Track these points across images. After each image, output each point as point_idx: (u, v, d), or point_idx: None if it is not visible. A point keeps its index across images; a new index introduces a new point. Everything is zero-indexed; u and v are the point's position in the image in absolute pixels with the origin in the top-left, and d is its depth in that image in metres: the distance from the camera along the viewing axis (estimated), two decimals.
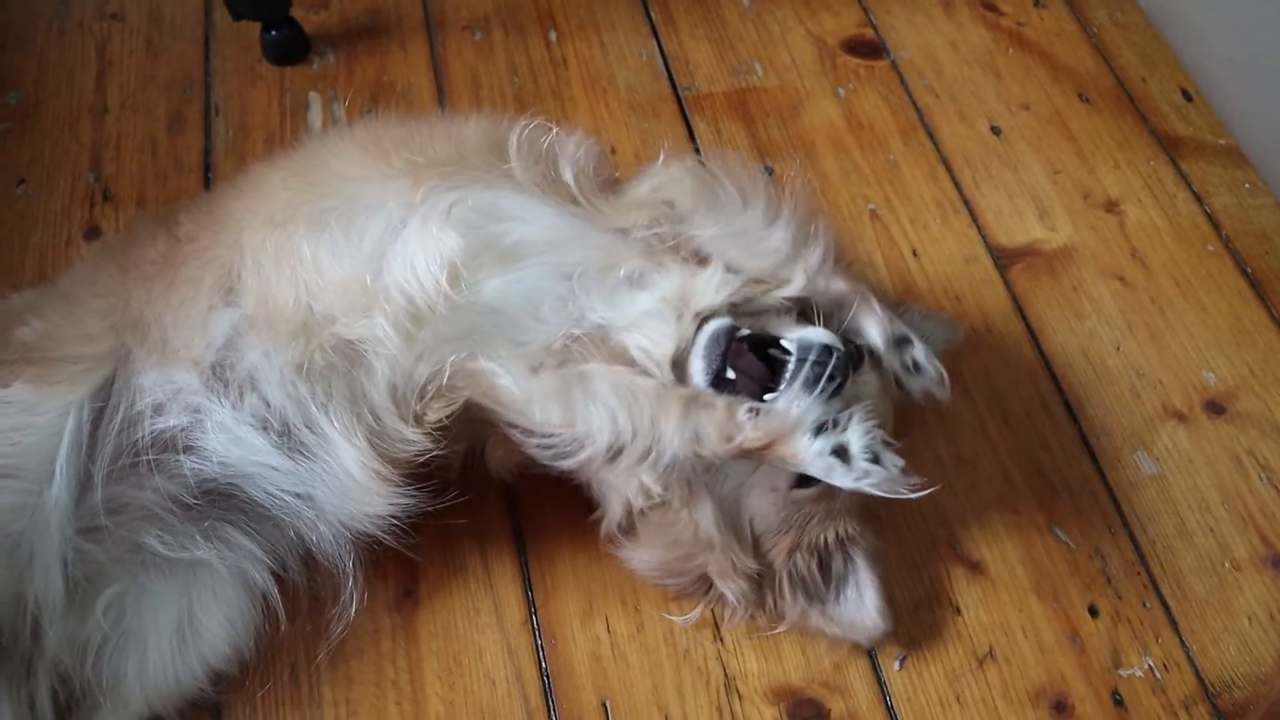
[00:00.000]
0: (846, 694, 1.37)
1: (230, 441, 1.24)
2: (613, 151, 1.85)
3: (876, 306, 1.35)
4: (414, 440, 1.24)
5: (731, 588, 1.32)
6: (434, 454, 1.26)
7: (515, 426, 1.25)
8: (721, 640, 1.40)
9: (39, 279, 1.65)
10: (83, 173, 1.82)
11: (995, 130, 1.95)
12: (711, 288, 1.27)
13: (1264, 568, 1.49)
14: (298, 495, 1.27)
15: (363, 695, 1.35)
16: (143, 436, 1.24)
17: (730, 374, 1.24)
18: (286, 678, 1.35)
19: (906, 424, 1.52)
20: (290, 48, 1.97)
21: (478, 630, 1.40)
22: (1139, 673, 1.40)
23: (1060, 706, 1.38)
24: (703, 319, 1.27)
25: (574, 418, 1.22)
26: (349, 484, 1.25)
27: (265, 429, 1.24)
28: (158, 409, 1.25)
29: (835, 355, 1.23)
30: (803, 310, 1.33)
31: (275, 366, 1.24)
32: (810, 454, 1.18)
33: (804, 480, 1.28)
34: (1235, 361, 1.68)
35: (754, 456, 1.22)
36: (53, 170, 1.82)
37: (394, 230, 1.26)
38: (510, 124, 1.37)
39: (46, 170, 1.82)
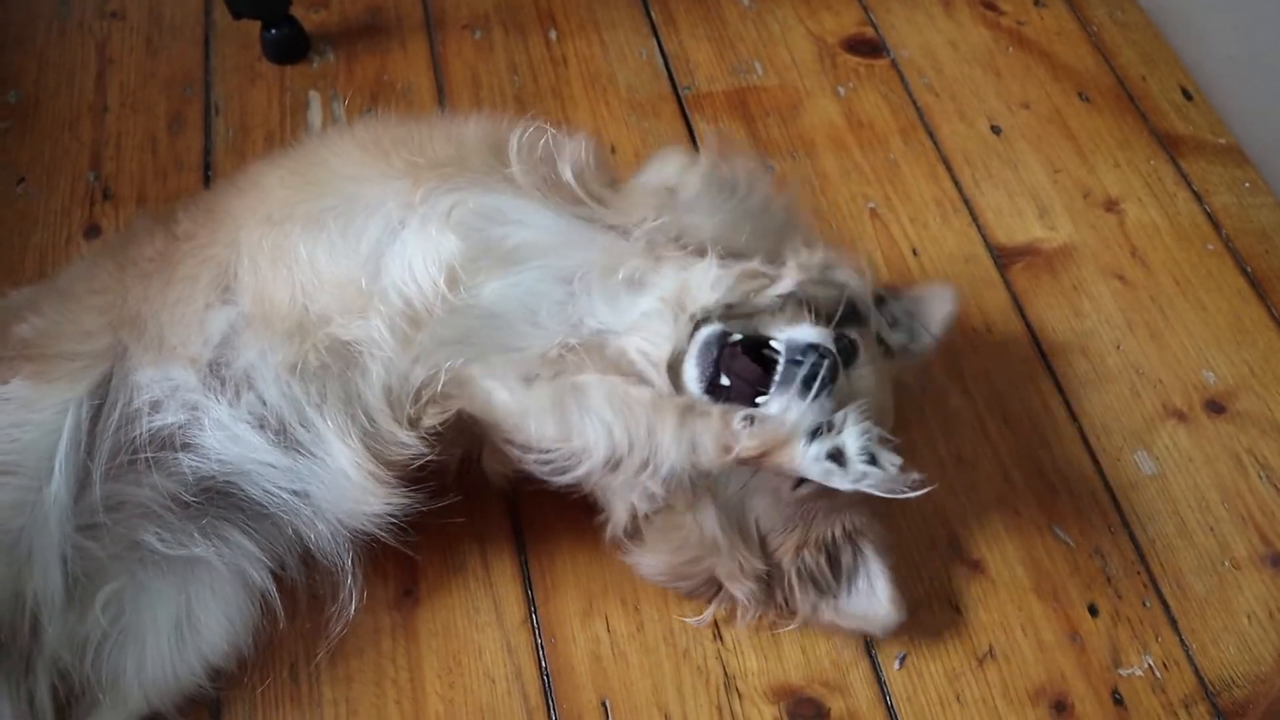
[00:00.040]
0: (846, 693, 1.37)
1: (227, 439, 1.24)
2: (613, 151, 1.85)
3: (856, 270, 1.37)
4: (408, 443, 1.24)
5: (741, 589, 1.32)
6: (429, 459, 1.25)
7: (511, 442, 1.25)
8: (721, 639, 1.40)
9: (39, 278, 1.65)
10: (83, 172, 1.82)
11: (995, 129, 1.95)
12: (708, 284, 1.26)
13: (1264, 567, 1.49)
14: (295, 493, 1.27)
15: (362, 694, 1.35)
16: (140, 434, 1.24)
17: (725, 380, 1.24)
18: (286, 676, 1.35)
19: (906, 422, 1.52)
20: (290, 46, 1.97)
21: (477, 629, 1.40)
22: (1139, 672, 1.40)
23: (1060, 706, 1.38)
24: (697, 323, 1.26)
25: (569, 432, 1.21)
26: (345, 483, 1.25)
27: (262, 427, 1.24)
28: (155, 406, 1.25)
29: (824, 353, 1.22)
30: (800, 305, 1.32)
31: (271, 365, 1.24)
32: (806, 460, 1.17)
33: (805, 478, 1.28)
34: (1235, 361, 1.68)
35: (752, 465, 1.21)
36: (53, 169, 1.82)
37: (392, 231, 1.26)
38: (510, 125, 1.36)
39: (47, 169, 1.82)
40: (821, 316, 1.29)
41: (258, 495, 1.27)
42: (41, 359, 1.26)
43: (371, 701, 1.35)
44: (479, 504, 1.42)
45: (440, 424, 1.25)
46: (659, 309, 1.26)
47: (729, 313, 1.28)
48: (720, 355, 1.24)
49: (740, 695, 1.36)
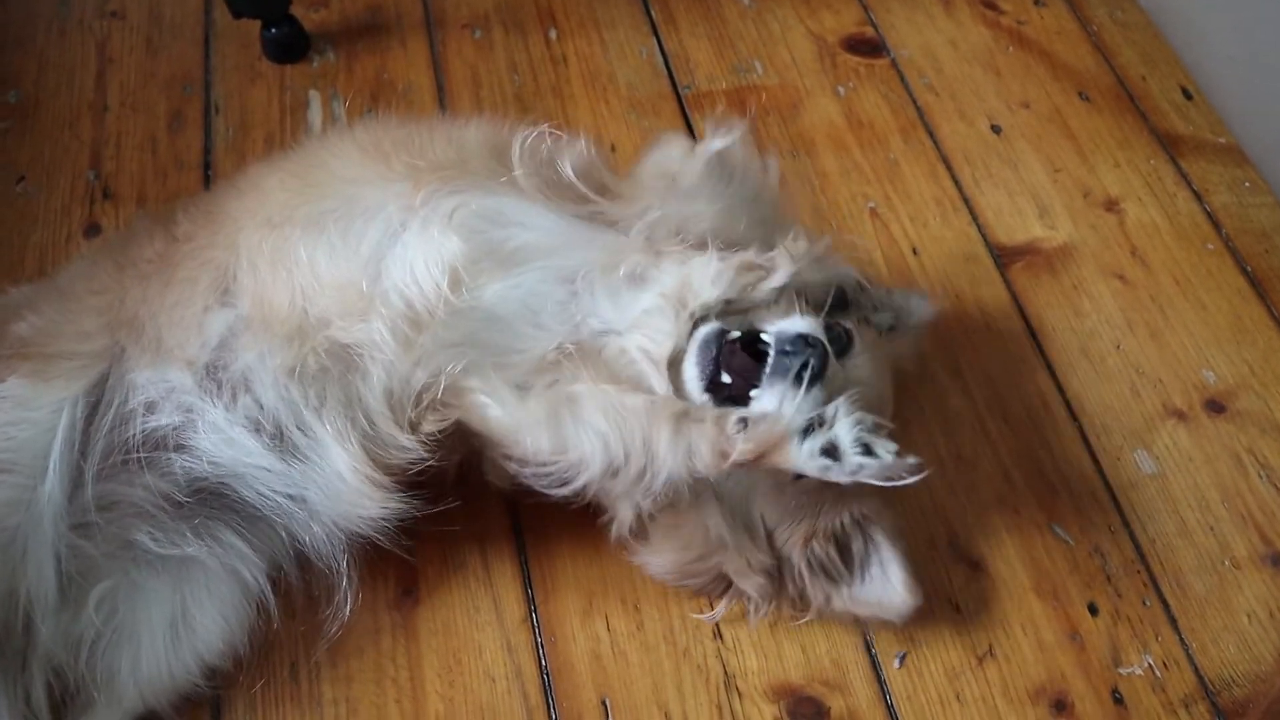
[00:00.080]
0: (846, 692, 1.37)
1: (222, 442, 1.24)
2: (613, 149, 1.85)
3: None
4: (409, 447, 1.24)
5: (751, 584, 1.32)
6: (429, 464, 1.25)
7: (509, 457, 1.25)
8: (721, 638, 1.40)
9: (39, 276, 1.65)
10: (83, 171, 1.82)
11: (995, 129, 1.95)
12: (709, 280, 1.26)
13: (1263, 566, 1.49)
14: (290, 497, 1.27)
15: (363, 693, 1.35)
16: (134, 434, 1.24)
17: (725, 378, 1.24)
18: (286, 674, 1.35)
19: (906, 422, 1.52)
20: (290, 46, 1.97)
21: (477, 628, 1.40)
22: (1139, 671, 1.40)
23: (1060, 705, 1.38)
24: (695, 321, 1.26)
25: (565, 445, 1.21)
26: (341, 487, 1.25)
27: (258, 430, 1.24)
28: (150, 407, 1.25)
29: (813, 343, 1.22)
30: (793, 297, 1.32)
31: (269, 368, 1.23)
32: (802, 459, 1.17)
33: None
34: (1235, 360, 1.68)
35: (750, 468, 1.21)
36: (53, 168, 1.82)
37: (393, 234, 1.26)
38: (511, 128, 1.36)
39: (47, 168, 1.82)
40: (813, 306, 1.29)
41: (252, 498, 1.27)
42: (39, 358, 1.26)
43: (372, 700, 1.35)
44: (479, 503, 1.42)
45: (439, 431, 1.25)
46: (660, 305, 1.26)
47: (726, 308, 1.28)
48: (719, 353, 1.24)
49: (740, 694, 1.36)
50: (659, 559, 1.35)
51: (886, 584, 1.32)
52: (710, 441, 1.18)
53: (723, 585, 1.35)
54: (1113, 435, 1.60)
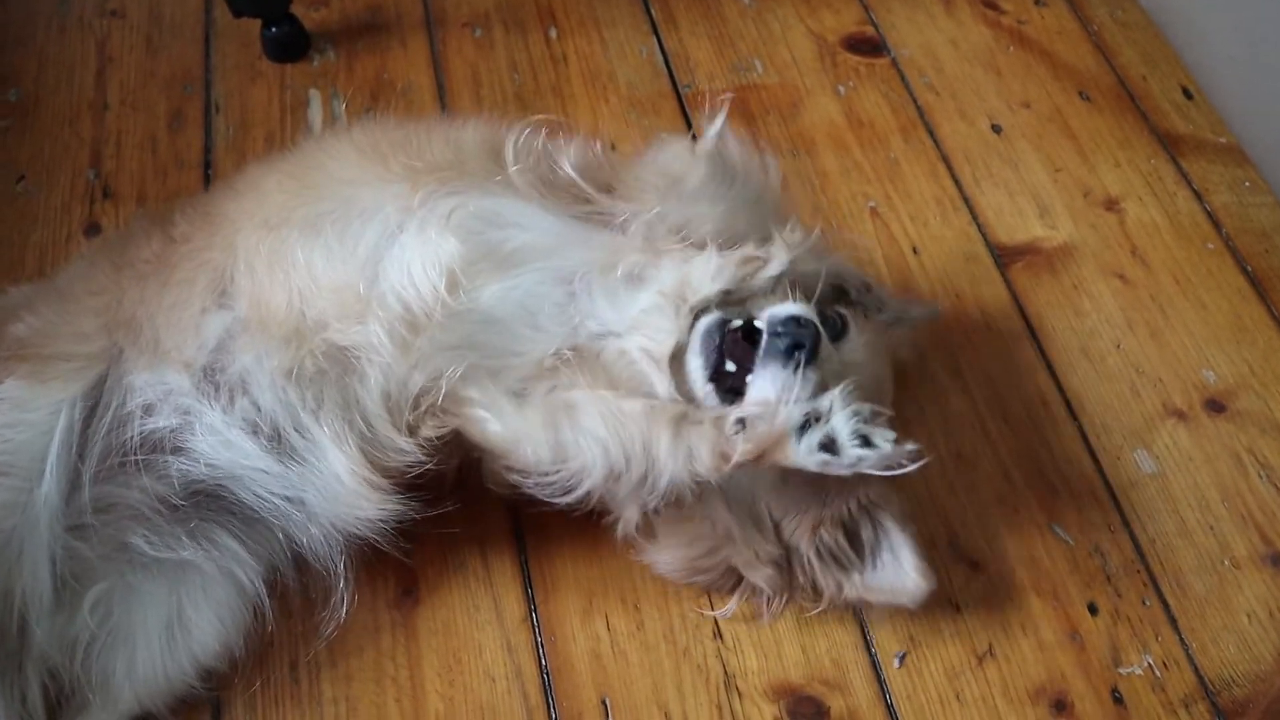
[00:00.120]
0: (846, 691, 1.37)
1: (220, 444, 1.24)
2: (613, 148, 1.85)
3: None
4: (407, 450, 1.24)
5: (760, 577, 1.32)
6: (427, 467, 1.25)
7: (510, 468, 1.25)
8: (721, 638, 1.40)
9: (39, 276, 1.65)
10: (83, 169, 1.82)
11: (996, 128, 1.95)
12: (708, 276, 1.27)
13: (1263, 566, 1.49)
14: (287, 499, 1.26)
15: (362, 692, 1.35)
16: (132, 436, 1.24)
17: (730, 365, 1.24)
18: (286, 673, 1.35)
19: (905, 421, 1.52)
20: (290, 45, 1.97)
21: (477, 627, 1.40)
22: (1138, 671, 1.40)
23: (1060, 704, 1.38)
24: (695, 314, 1.26)
25: (565, 454, 1.21)
26: (338, 489, 1.24)
27: (255, 433, 1.24)
28: (148, 410, 1.25)
29: (804, 323, 1.23)
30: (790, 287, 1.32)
31: (266, 370, 1.23)
32: (800, 455, 1.17)
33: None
34: (1235, 360, 1.68)
35: (751, 467, 1.21)
36: (53, 167, 1.82)
37: (390, 235, 1.26)
38: (508, 129, 1.36)
39: (47, 167, 1.82)
40: (808, 295, 1.29)
41: (249, 500, 1.27)
42: (36, 359, 1.25)
43: (371, 699, 1.35)
44: (479, 503, 1.42)
45: (437, 436, 1.25)
46: (659, 303, 1.26)
47: (725, 300, 1.28)
48: (723, 341, 1.25)
49: (740, 694, 1.36)
50: (667, 555, 1.34)
51: (899, 569, 1.31)
52: (710, 444, 1.18)
53: (733, 580, 1.35)
54: (1113, 435, 1.60)
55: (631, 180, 1.36)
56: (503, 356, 1.24)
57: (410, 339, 1.22)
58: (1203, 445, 1.59)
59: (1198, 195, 1.88)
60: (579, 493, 1.23)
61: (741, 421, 1.18)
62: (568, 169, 1.33)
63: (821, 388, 1.22)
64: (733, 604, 1.38)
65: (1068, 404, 1.63)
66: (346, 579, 1.32)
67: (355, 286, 1.23)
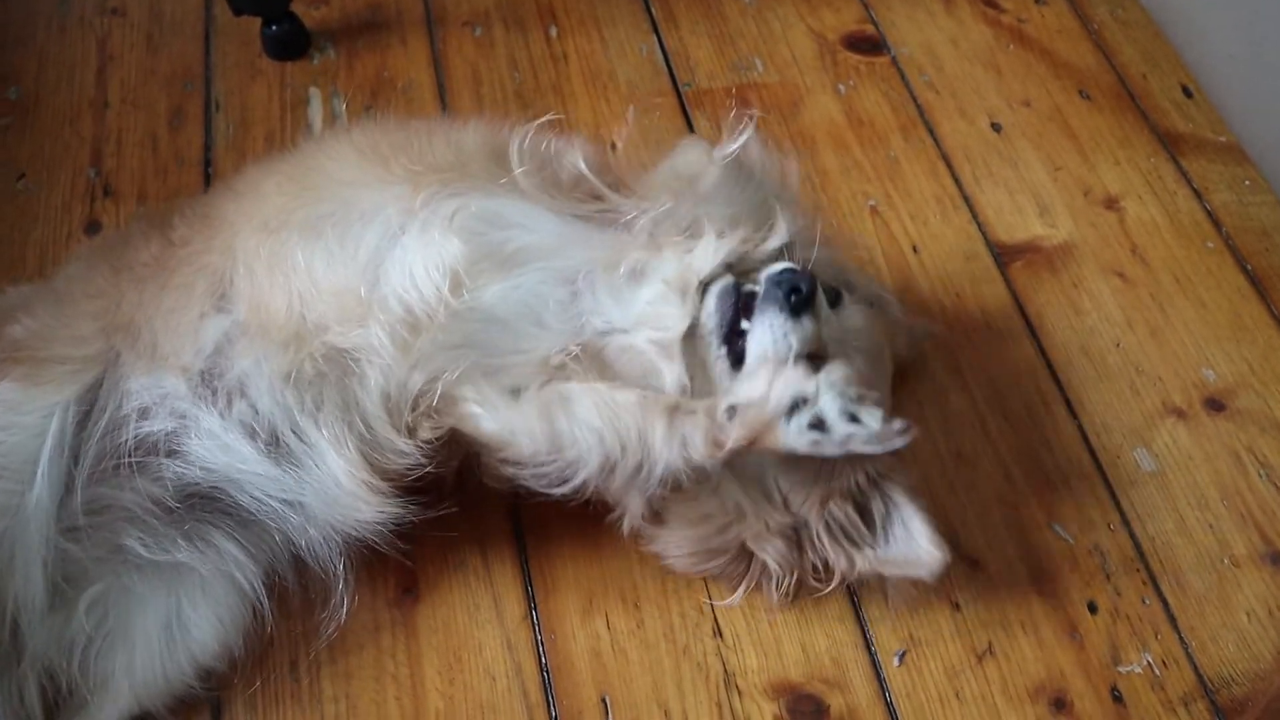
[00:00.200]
0: (846, 690, 1.38)
1: (217, 448, 1.24)
2: (613, 148, 1.85)
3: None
4: (406, 451, 1.24)
5: (770, 551, 1.31)
6: (427, 469, 1.25)
7: (506, 461, 1.25)
8: (721, 636, 1.40)
9: (40, 274, 1.65)
10: (83, 168, 1.82)
11: (996, 127, 1.95)
12: (709, 254, 1.28)
13: (1263, 564, 1.49)
14: (285, 502, 1.26)
15: (362, 690, 1.35)
16: (127, 440, 1.24)
17: (744, 324, 1.26)
18: (286, 672, 1.36)
19: (905, 418, 1.52)
20: (291, 43, 1.97)
21: (478, 626, 1.40)
22: (1138, 669, 1.41)
23: (1059, 703, 1.38)
24: (704, 286, 1.28)
25: (561, 444, 1.21)
26: (337, 492, 1.24)
27: (253, 436, 1.24)
28: (143, 413, 1.24)
29: (800, 273, 1.25)
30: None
31: (265, 374, 1.23)
32: (791, 437, 1.18)
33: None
34: (1235, 358, 1.68)
35: (745, 453, 1.21)
36: (53, 165, 1.82)
37: (392, 237, 1.25)
38: (510, 130, 1.36)
39: (47, 165, 1.82)
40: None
41: (246, 503, 1.27)
42: (32, 361, 1.25)
43: (371, 698, 1.35)
44: (479, 501, 1.42)
45: (435, 437, 1.25)
46: (663, 292, 1.26)
47: (729, 271, 1.30)
48: (737, 302, 1.27)
49: (740, 692, 1.37)
50: (678, 537, 1.33)
51: (911, 542, 1.30)
52: (704, 431, 1.19)
53: (742, 565, 1.34)
54: (1112, 433, 1.60)
55: (645, 183, 1.36)
56: (505, 355, 1.24)
57: (410, 340, 1.22)
58: (1202, 444, 1.59)
59: (1198, 194, 1.88)
60: (575, 482, 1.23)
61: (733, 409, 1.19)
62: (580, 165, 1.34)
63: (820, 351, 1.24)
64: (740, 592, 1.37)
65: (1067, 403, 1.63)
66: (346, 580, 1.32)
67: (356, 289, 1.23)
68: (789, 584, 1.34)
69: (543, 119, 1.37)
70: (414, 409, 1.24)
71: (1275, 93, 1.88)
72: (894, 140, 1.92)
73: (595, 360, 1.25)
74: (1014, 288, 1.75)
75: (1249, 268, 1.79)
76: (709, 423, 1.19)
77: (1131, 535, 1.51)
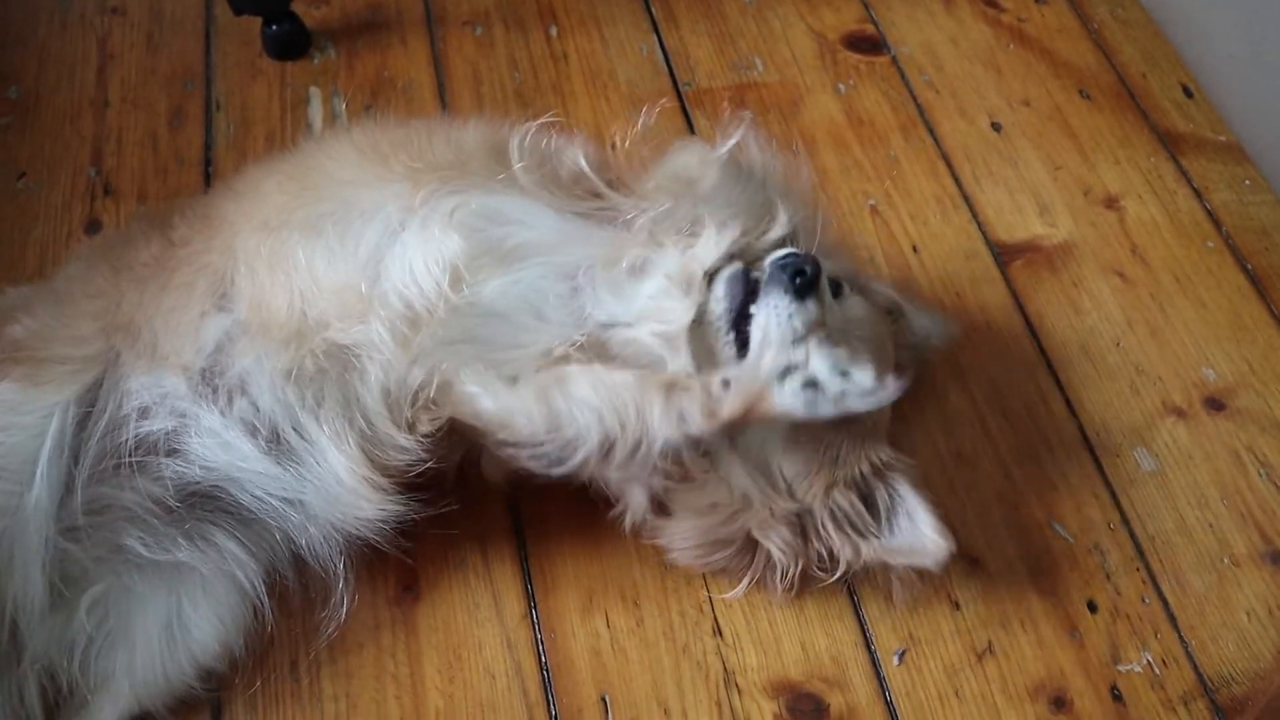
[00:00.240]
0: (846, 688, 1.38)
1: (217, 446, 1.24)
2: (613, 147, 1.85)
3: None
4: (407, 447, 1.24)
5: (775, 540, 1.31)
6: (428, 465, 1.25)
7: (505, 443, 1.25)
8: (721, 635, 1.40)
9: (40, 273, 1.65)
10: (83, 167, 1.82)
11: (996, 126, 1.95)
12: (712, 246, 1.28)
13: (1263, 564, 1.49)
14: (285, 500, 1.26)
15: (363, 689, 1.35)
16: (127, 439, 1.24)
17: (752, 309, 1.27)
18: (286, 672, 1.36)
19: (905, 419, 1.52)
20: (291, 43, 1.97)
21: (477, 624, 1.40)
22: (1138, 668, 1.41)
23: (1059, 701, 1.38)
24: (710, 276, 1.28)
25: (560, 422, 1.21)
26: (338, 489, 1.24)
27: (254, 434, 1.24)
28: (144, 413, 1.24)
29: (804, 255, 1.26)
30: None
31: (266, 371, 1.23)
32: (786, 399, 1.18)
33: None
34: (1235, 358, 1.68)
35: (742, 423, 1.22)
36: (54, 164, 1.82)
37: (392, 234, 1.26)
38: (510, 128, 1.36)
39: (47, 164, 1.82)
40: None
41: (246, 501, 1.27)
42: (32, 362, 1.25)
43: (371, 696, 1.35)
44: (479, 500, 1.42)
45: (435, 430, 1.25)
46: (666, 286, 1.27)
47: (732, 259, 1.30)
48: (747, 286, 1.27)
49: (740, 690, 1.37)
50: (684, 528, 1.33)
51: (916, 532, 1.31)
52: (699, 404, 1.19)
53: (747, 558, 1.34)
54: (1112, 433, 1.60)
55: (644, 183, 1.37)
56: (506, 349, 1.24)
57: (410, 335, 1.22)
58: (1202, 443, 1.59)
59: (1198, 193, 1.88)
60: (575, 461, 1.22)
61: (727, 381, 1.20)
62: (581, 163, 1.34)
63: (820, 324, 1.25)
64: (743, 585, 1.36)
65: (1067, 402, 1.63)
66: (346, 578, 1.32)
67: (357, 286, 1.23)
68: (794, 575, 1.34)
69: (543, 117, 1.37)
70: (414, 403, 1.24)
71: (1275, 92, 1.88)
72: (894, 140, 1.92)
73: (598, 352, 1.25)
74: (1014, 287, 1.75)
75: (1249, 267, 1.79)
76: (705, 396, 1.20)
77: (1131, 534, 1.51)
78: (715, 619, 1.41)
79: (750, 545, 1.33)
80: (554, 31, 2.04)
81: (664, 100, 1.51)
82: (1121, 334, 1.70)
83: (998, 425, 1.60)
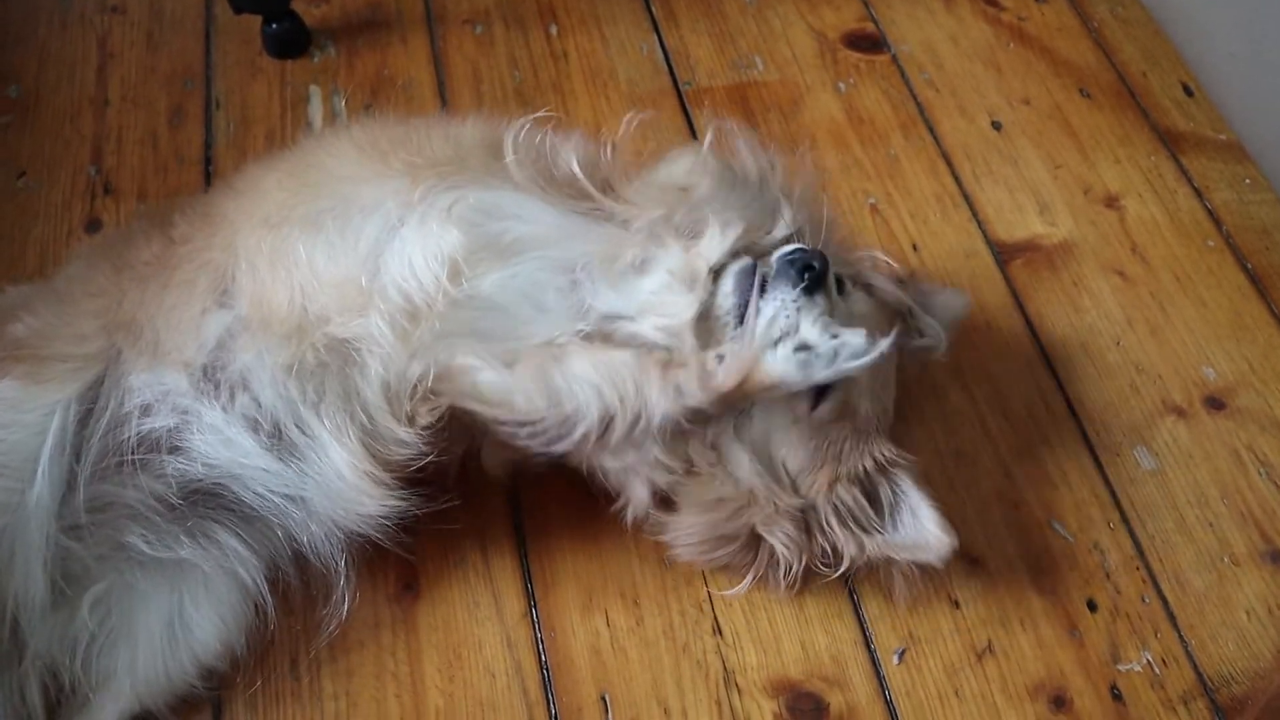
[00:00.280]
0: (845, 687, 1.38)
1: (219, 442, 1.24)
2: (613, 147, 1.85)
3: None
4: (407, 441, 1.24)
5: (779, 535, 1.31)
6: (429, 459, 1.25)
7: (503, 423, 1.25)
8: (721, 634, 1.40)
9: (40, 272, 1.65)
10: (84, 166, 1.82)
11: (996, 125, 1.95)
12: (717, 243, 1.29)
13: (1263, 563, 1.49)
14: (287, 497, 1.27)
15: (363, 688, 1.35)
16: (129, 437, 1.24)
17: (761, 304, 1.27)
18: (286, 671, 1.36)
19: (905, 418, 1.52)
20: (291, 41, 1.97)
21: (478, 623, 1.40)
22: (1138, 667, 1.41)
23: (1059, 701, 1.38)
24: (715, 272, 1.28)
25: (560, 399, 1.21)
26: (339, 485, 1.24)
27: (255, 430, 1.24)
28: (145, 410, 1.25)
29: (811, 252, 1.27)
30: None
31: (268, 366, 1.23)
32: (779, 365, 1.20)
33: (818, 396, 1.29)
34: (1235, 357, 1.68)
35: (741, 396, 1.22)
36: (54, 163, 1.82)
37: (391, 229, 1.26)
38: (509, 125, 1.36)
39: (47, 163, 1.82)
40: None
41: (248, 498, 1.27)
42: (33, 360, 1.25)
43: (372, 695, 1.35)
44: (480, 498, 1.42)
45: (435, 421, 1.25)
46: (669, 281, 1.27)
47: (737, 255, 1.31)
48: (754, 279, 1.28)
49: (739, 689, 1.37)
50: (689, 524, 1.33)
51: (919, 528, 1.32)
52: (696, 377, 1.20)
53: (751, 554, 1.35)
54: (1112, 432, 1.60)
55: (639, 188, 1.37)
56: (505, 340, 1.24)
57: (410, 329, 1.23)
58: (1202, 442, 1.59)
59: (1198, 192, 1.88)
60: (574, 437, 1.22)
61: (721, 355, 1.21)
62: (571, 165, 1.34)
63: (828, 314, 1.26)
64: (746, 581, 1.37)
65: (1067, 401, 1.63)
66: (347, 576, 1.32)
67: (357, 280, 1.24)
68: (797, 571, 1.34)
69: (539, 113, 1.37)
70: (413, 396, 1.24)
71: (1275, 91, 1.88)
72: (894, 138, 1.92)
73: (601, 342, 1.26)
74: (1014, 286, 1.75)
75: (1249, 266, 1.79)
76: (700, 369, 1.21)
77: (1131, 533, 1.51)
78: (715, 618, 1.41)
79: (754, 541, 1.34)
80: (554, 30, 2.04)
81: (650, 112, 1.51)
82: (1121, 333, 1.70)
83: (997, 424, 1.60)
